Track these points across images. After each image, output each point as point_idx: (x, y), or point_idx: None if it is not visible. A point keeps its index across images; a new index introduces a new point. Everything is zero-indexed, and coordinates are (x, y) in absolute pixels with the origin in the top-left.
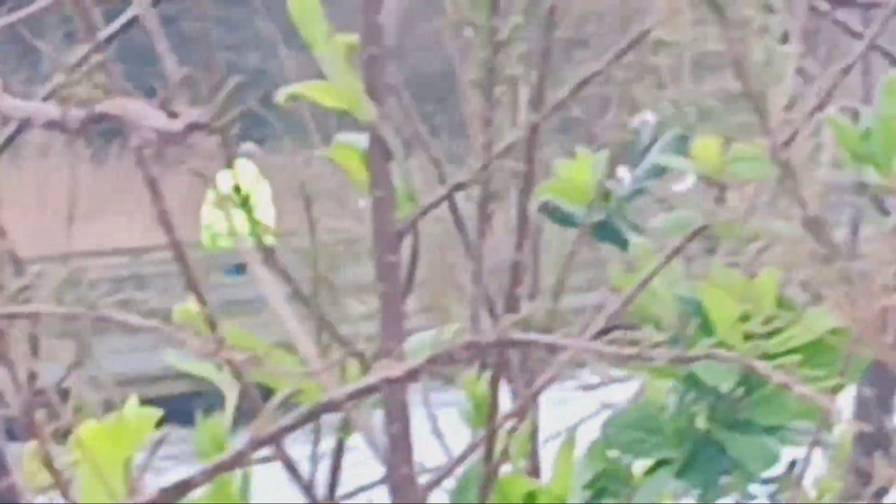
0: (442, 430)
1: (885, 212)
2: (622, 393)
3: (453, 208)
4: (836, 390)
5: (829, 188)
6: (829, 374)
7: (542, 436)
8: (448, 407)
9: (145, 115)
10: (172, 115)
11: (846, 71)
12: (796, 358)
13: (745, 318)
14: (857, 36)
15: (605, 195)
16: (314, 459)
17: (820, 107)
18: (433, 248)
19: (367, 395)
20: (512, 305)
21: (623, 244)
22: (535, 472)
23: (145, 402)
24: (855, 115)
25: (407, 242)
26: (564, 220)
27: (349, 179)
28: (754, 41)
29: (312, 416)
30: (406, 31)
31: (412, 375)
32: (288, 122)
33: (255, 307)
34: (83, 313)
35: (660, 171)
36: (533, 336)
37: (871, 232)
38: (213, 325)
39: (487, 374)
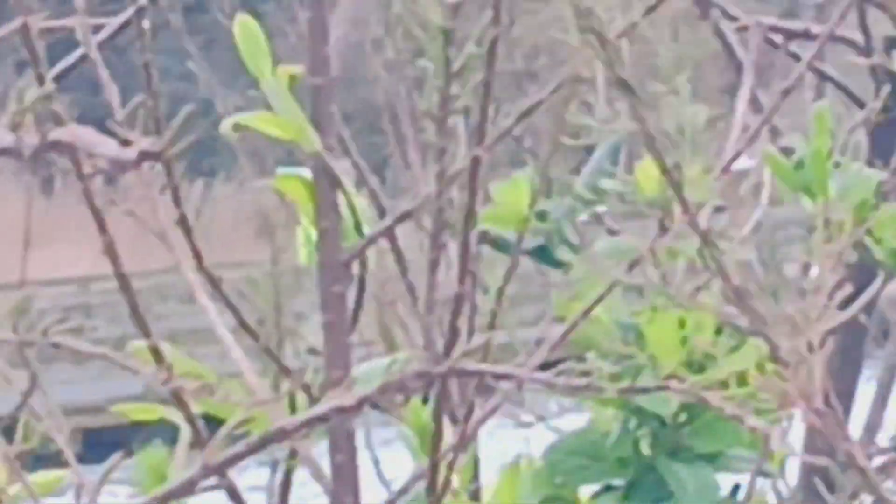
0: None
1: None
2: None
3: (393, 240)
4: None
5: (780, 223)
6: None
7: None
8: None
9: (98, 143)
10: (125, 143)
11: (785, 94)
12: (747, 390)
13: (686, 345)
14: (811, 68)
15: (542, 217)
16: (269, 490)
17: (760, 133)
18: (377, 279)
19: (318, 425)
20: (454, 336)
21: (562, 266)
22: (476, 500)
23: (90, 431)
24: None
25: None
26: (503, 246)
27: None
28: (665, 114)
29: (262, 444)
30: (356, 62)
31: (363, 404)
32: (237, 153)
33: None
34: (36, 340)
35: (600, 193)
36: (483, 366)
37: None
38: (160, 355)
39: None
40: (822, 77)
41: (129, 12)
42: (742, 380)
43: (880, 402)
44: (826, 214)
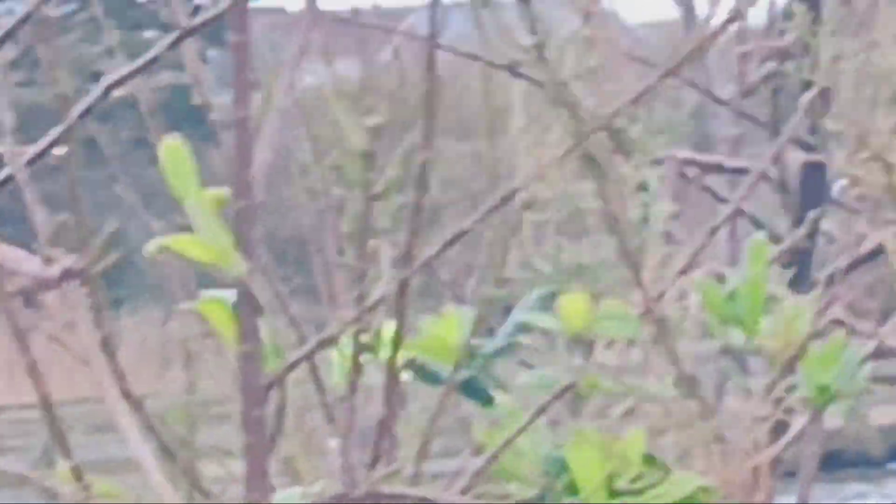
0: None
1: (748, 373)
2: None
3: (313, 368)
4: None
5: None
6: None
7: None
8: None
9: (21, 260)
10: (48, 261)
11: (713, 232)
12: None
13: (611, 477)
14: (724, 201)
15: (472, 353)
16: None
17: (686, 269)
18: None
19: None
20: (377, 461)
21: (489, 402)
22: None
23: None
24: (721, 279)
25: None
26: (430, 377)
27: (208, 340)
28: (630, 199)
29: None
30: (280, 187)
31: None
32: (146, 284)
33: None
34: None
35: (526, 330)
36: (403, 490)
37: (735, 399)
38: (79, 476)
39: None
40: (747, 217)
41: (50, 137)
42: None
43: None
44: (760, 348)
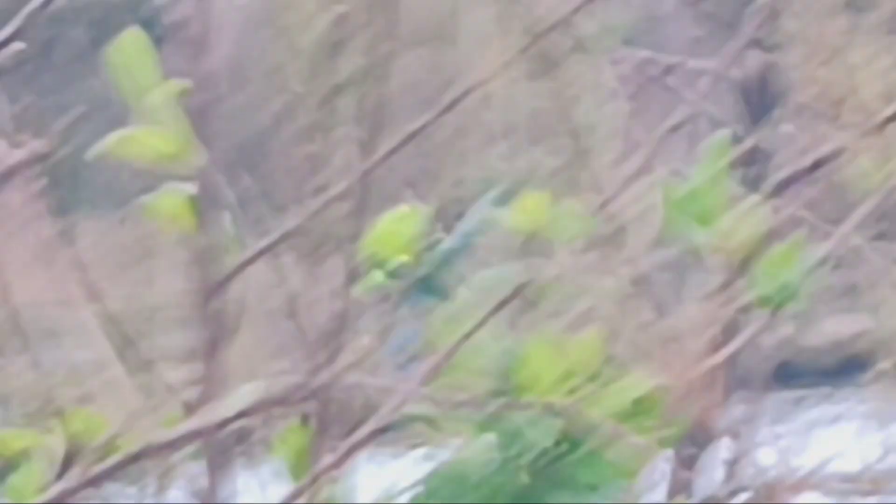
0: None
1: (707, 272)
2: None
3: (278, 264)
4: (660, 445)
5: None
6: (652, 431)
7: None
8: None
9: None
10: (15, 145)
11: (672, 130)
12: (625, 409)
13: (569, 374)
14: (684, 101)
15: (429, 249)
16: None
17: (645, 167)
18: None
19: (195, 439)
20: (337, 351)
21: (445, 297)
22: None
23: None
24: (682, 177)
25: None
26: (389, 272)
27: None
28: (584, 98)
29: (133, 459)
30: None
31: (242, 417)
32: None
33: None
34: None
35: (485, 226)
36: (364, 378)
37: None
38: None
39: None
40: (707, 116)
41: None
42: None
43: None
44: (719, 244)
